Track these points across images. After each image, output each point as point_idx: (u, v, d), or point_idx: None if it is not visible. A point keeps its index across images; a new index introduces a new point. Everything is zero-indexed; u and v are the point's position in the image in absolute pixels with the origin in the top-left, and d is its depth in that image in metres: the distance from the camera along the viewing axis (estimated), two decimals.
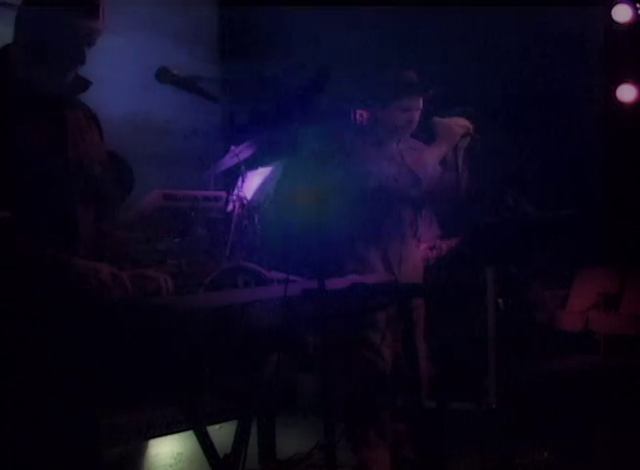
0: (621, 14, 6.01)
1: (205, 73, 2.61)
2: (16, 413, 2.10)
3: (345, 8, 5.62)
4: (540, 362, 5.06)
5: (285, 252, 4.81)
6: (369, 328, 3.51)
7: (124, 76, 5.22)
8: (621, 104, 6.17)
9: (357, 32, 5.74)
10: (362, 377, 3.56)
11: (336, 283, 2.53)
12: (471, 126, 3.67)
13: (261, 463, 3.80)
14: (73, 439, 2.12)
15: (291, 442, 4.13)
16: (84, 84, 2.42)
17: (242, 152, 5.17)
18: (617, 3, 6.01)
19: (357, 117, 3.76)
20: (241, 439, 2.38)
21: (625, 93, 6.17)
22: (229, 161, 5.26)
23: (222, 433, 2.51)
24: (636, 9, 5.98)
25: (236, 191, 5.17)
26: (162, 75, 2.53)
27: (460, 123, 3.67)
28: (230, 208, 5.17)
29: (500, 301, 3.69)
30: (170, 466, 4.08)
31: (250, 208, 5.17)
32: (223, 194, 5.25)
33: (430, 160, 3.66)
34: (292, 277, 2.36)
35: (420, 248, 4.00)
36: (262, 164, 5.30)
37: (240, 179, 5.20)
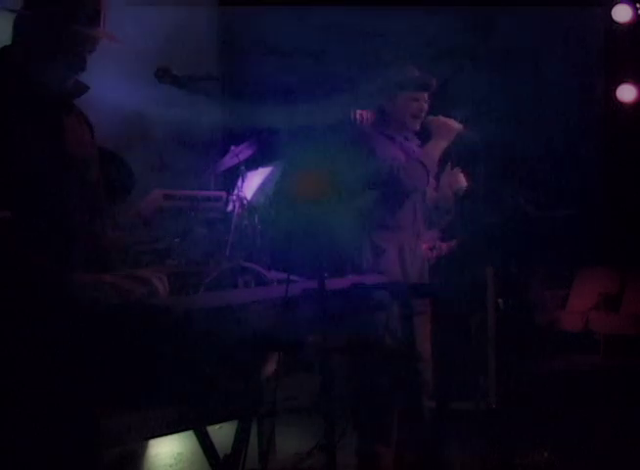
0: (621, 14, 6.02)
1: (205, 73, 2.60)
2: (14, 416, 2.10)
3: (345, 8, 5.63)
4: (540, 362, 5.06)
5: (285, 252, 4.81)
6: (370, 328, 3.50)
7: (125, 76, 5.22)
8: (621, 104, 6.18)
9: (357, 33, 5.74)
10: (369, 378, 3.56)
11: (336, 283, 2.53)
12: (465, 126, 3.69)
13: (261, 463, 3.80)
14: (73, 439, 2.12)
15: (291, 442, 4.13)
16: (82, 89, 2.42)
17: (242, 152, 5.17)
18: (617, 3, 6.01)
19: (357, 116, 3.76)
20: (241, 439, 2.38)
21: (625, 93, 6.18)
22: (229, 161, 5.26)
23: (222, 433, 2.50)
24: (636, 9, 5.99)
25: (236, 191, 5.17)
26: (162, 75, 2.53)
27: (455, 122, 3.69)
28: (230, 208, 5.17)
29: (500, 301, 3.69)
30: (170, 466, 4.08)
31: (250, 208, 5.17)
32: (223, 194, 5.25)
33: (430, 156, 3.67)
34: (292, 277, 2.36)
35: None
36: (262, 164, 5.30)
37: (240, 179, 5.20)
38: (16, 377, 2.10)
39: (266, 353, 2.40)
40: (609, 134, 6.00)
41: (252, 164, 5.29)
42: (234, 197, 5.15)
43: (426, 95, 3.70)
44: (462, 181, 3.82)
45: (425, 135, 3.76)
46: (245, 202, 5.14)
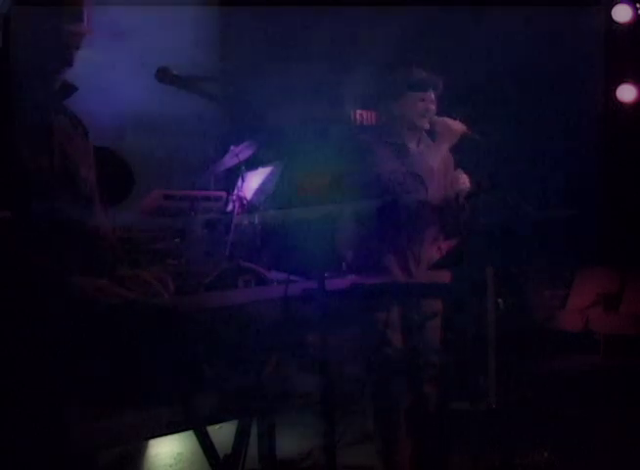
0: (621, 14, 6.02)
1: (205, 73, 2.60)
2: (14, 415, 2.10)
3: (346, 8, 5.62)
4: (540, 362, 5.06)
5: (285, 252, 4.81)
6: (371, 328, 3.51)
7: (124, 76, 5.22)
8: (621, 104, 6.18)
9: (358, 32, 5.74)
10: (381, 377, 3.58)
11: (336, 283, 2.53)
12: (469, 127, 3.69)
13: (261, 463, 3.80)
14: (73, 439, 2.12)
15: (291, 442, 4.13)
16: (70, 89, 2.41)
17: (242, 152, 5.17)
18: (617, 3, 6.02)
19: (357, 116, 3.77)
20: (241, 439, 2.38)
21: (625, 93, 6.18)
22: (229, 161, 5.26)
23: (222, 433, 2.50)
24: (636, 9, 5.99)
25: (236, 191, 5.17)
26: (162, 76, 2.53)
27: (459, 123, 3.69)
28: (230, 208, 5.17)
29: (500, 301, 3.68)
30: (170, 466, 4.09)
31: (250, 208, 5.17)
32: (223, 194, 5.25)
33: (432, 160, 3.68)
34: (292, 277, 2.36)
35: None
36: (262, 164, 5.30)
37: (240, 179, 5.20)
38: (15, 377, 2.10)
39: (266, 353, 2.40)
40: (609, 134, 6.00)
41: (252, 164, 5.29)
42: (234, 197, 5.15)
43: (432, 95, 3.70)
44: (465, 183, 3.82)
45: (432, 136, 3.78)
46: (245, 202, 5.14)
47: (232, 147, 5.20)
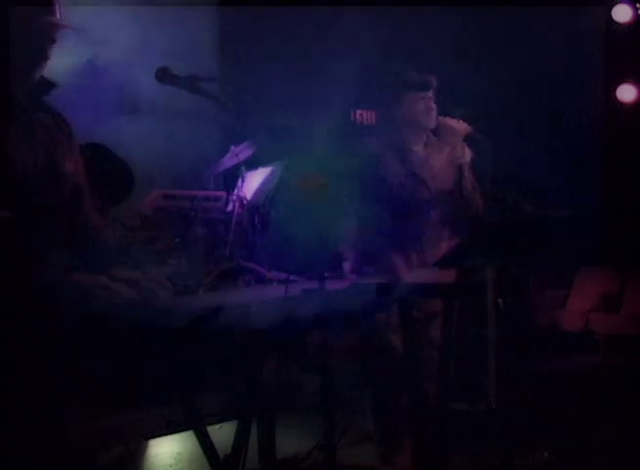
0: (621, 14, 6.03)
1: (205, 73, 2.60)
2: (14, 415, 2.10)
3: (346, 8, 5.62)
4: (540, 363, 5.06)
5: (285, 252, 4.81)
6: (370, 328, 3.51)
7: (124, 76, 5.22)
8: (621, 104, 6.18)
9: (358, 32, 5.74)
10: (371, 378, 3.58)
11: (336, 283, 2.53)
12: (471, 127, 3.69)
13: (261, 463, 3.80)
14: (72, 439, 2.12)
15: (291, 442, 4.13)
16: (49, 85, 2.39)
17: (242, 152, 5.17)
18: (617, 3, 6.02)
19: (357, 116, 3.77)
20: (241, 439, 2.38)
21: (625, 93, 6.18)
22: (229, 161, 5.26)
23: (222, 433, 2.50)
24: (636, 9, 6.00)
25: (236, 191, 5.17)
26: (162, 75, 2.53)
27: (462, 124, 3.69)
28: (230, 208, 5.17)
29: (500, 301, 3.69)
30: (170, 466, 4.08)
31: (250, 208, 5.17)
32: (223, 194, 5.25)
33: (434, 161, 3.68)
34: (292, 277, 2.36)
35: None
36: (262, 164, 5.30)
37: (240, 179, 5.20)
38: (15, 377, 2.10)
39: (266, 353, 2.40)
40: (609, 134, 6.00)
41: (252, 164, 5.29)
42: (234, 197, 5.15)
43: (430, 93, 3.70)
44: (469, 155, 3.77)
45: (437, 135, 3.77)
46: (245, 202, 5.14)
47: (232, 147, 5.21)
